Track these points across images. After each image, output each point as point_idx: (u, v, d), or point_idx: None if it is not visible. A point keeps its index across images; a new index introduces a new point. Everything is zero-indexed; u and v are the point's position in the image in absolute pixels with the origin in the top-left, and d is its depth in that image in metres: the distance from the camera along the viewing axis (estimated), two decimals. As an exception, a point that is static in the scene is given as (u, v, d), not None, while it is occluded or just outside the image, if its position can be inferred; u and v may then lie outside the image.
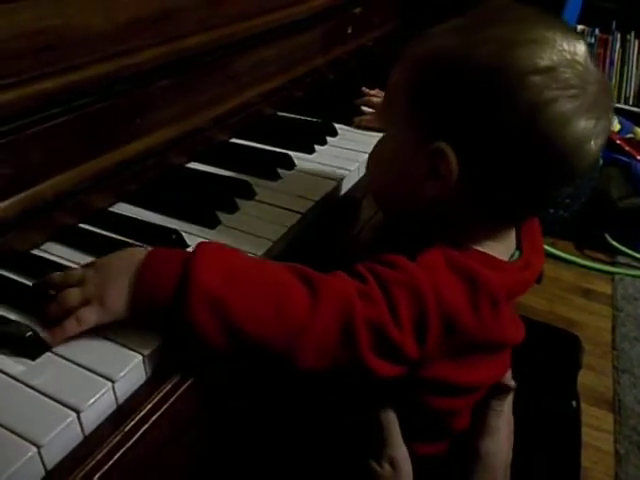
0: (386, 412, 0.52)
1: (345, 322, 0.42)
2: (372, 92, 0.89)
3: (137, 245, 0.53)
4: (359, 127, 0.82)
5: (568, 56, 0.44)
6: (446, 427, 0.56)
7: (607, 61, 2.17)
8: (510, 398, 0.59)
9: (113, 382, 0.40)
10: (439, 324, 0.45)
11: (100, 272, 0.43)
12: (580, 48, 0.45)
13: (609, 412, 1.36)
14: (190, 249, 0.54)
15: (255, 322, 0.40)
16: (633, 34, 2.13)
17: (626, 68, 2.16)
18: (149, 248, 0.45)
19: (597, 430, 1.31)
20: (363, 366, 0.43)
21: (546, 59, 0.43)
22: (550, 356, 0.87)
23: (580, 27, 2.18)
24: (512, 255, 0.53)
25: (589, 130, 0.44)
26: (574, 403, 0.82)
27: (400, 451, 0.51)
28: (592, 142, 0.45)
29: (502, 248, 0.52)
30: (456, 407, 0.54)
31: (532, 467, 0.69)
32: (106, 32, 0.57)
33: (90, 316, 0.41)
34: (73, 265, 0.51)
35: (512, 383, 0.57)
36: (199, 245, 0.43)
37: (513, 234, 0.54)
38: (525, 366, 0.66)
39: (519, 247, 0.54)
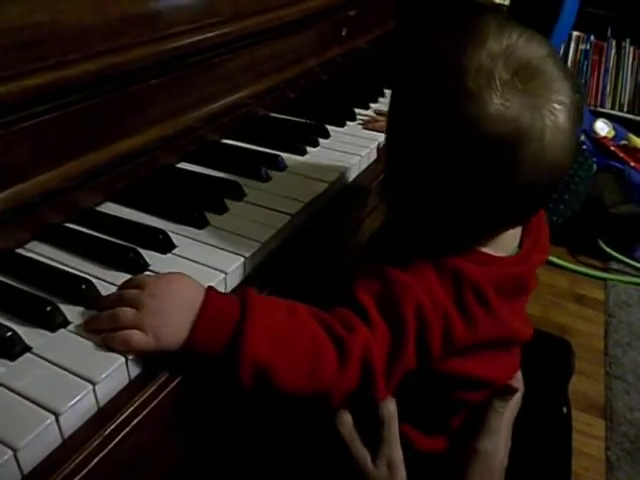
0: (387, 408, 0.52)
1: (365, 371, 0.46)
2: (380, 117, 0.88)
3: (125, 245, 0.52)
4: (367, 128, 0.84)
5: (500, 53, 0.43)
6: (449, 420, 0.56)
7: (602, 68, 2.18)
8: (515, 403, 0.58)
9: (94, 384, 0.39)
10: (440, 327, 0.47)
11: (157, 302, 0.43)
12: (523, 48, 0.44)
13: (601, 419, 1.36)
14: (178, 250, 0.54)
15: (292, 383, 0.45)
16: (628, 41, 2.14)
17: (621, 75, 2.17)
18: (203, 285, 0.46)
19: (589, 437, 1.31)
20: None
21: (475, 60, 0.43)
22: (541, 362, 0.86)
23: (576, 34, 2.19)
24: (512, 252, 0.53)
25: (529, 118, 0.42)
26: (565, 409, 0.82)
27: (398, 452, 0.51)
28: (524, 147, 0.43)
29: (502, 247, 0.52)
30: (471, 400, 0.54)
31: (523, 473, 0.69)
32: (96, 29, 0.56)
33: (140, 342, 0.42)
34: (59, 265, 0.51)
35: (519, 385, 0.56)
36: (248, 302, 0.44)
37: (515, 232, 0.53)
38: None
39: (520, 244, 0.54)
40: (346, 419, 0.52)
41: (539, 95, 0.43)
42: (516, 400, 0.58)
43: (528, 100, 0.43)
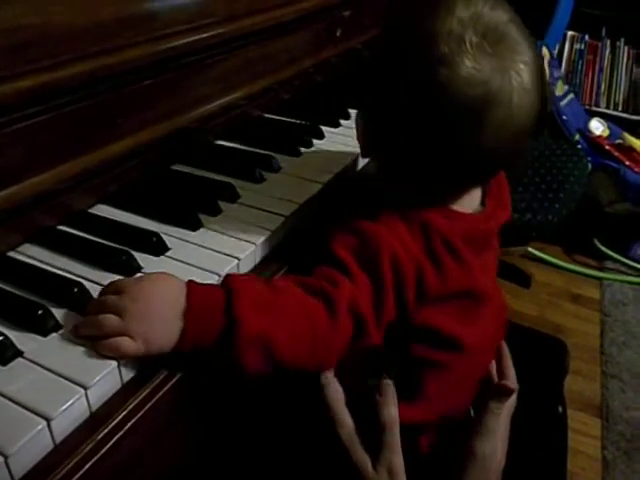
0: (389, 412, 0.51)
1: (355, 321, 0.47)
2: None
3: (117, 248, 0.52)
4: None
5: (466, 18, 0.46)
6: (423, 384, 0.55)
7: (597, 67, 2.19)
8: (511, 404, 0.58)
9: (86, 389, 0.39)
10: (413, 276, 0.49)
11: (140, 305, 0.42)
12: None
13: (597, 418, 1.36)
14: (171, 252, 0.53)
15: (292, 349, 0.45)
16: (622, 40, 2.15)
17: (615, 74, 2.18)
18: (182, 280, 0.45)
19: (585, 436, 1.31)
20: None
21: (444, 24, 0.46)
22: (537, 362, 0.86)
23: (570, 33, 2.19)
24: (476, 210, 0.56)
25: (480, 72, 0.45)
26: (560, 408, 0.82)
27: (399, 458, 0.51)
28: (493, 109, 0.45)
29: (467, 205, 0.54)
30: (442, 361, 0.54)
31: (519, 472, 0.69)
32: (89, 30, 0.55)
33: (130, 349, 0.41)
34: (51, 268, 0.50)
35: (514, 385, 0.56)
36: (229, 283, 0.45)
37: (477, 192, 0.56)
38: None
39: (483, 203, 0.57)
40: (346, 423, 0.51)
41: (506, 57, 0.46)
42: (512, 401, 0.58)
43: (497, 63, 0.45)
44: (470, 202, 0.55)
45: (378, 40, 0.53)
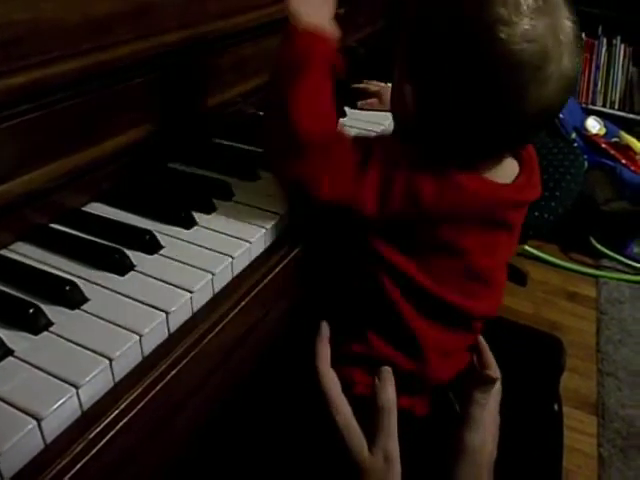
0: (386, 395, 0.53)
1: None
2: (372, 82, 0.97)
3: (110, 246, 0.52)
4: (362, 109, 0.90)
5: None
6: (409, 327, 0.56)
7: (593, 65, 2.19)
8: (497, 393, 0.59)
9: (77, 388, 0.38)
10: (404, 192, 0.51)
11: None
12: None
13: (593, 415, 1.36)
14: (165, 251, 0.53)
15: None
16: (619, 39, 2.15)
17: (612, 72, 2.18)
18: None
19: (581, 433, 1.31)
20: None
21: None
22: (533, 359, 0.86)
23: (567, 31, 2.19)
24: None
25: (537, 53, 0.47)
26: (556, 406, 0.82)
27: (395, 444, 0.52)
28: (548, 65, 0.47)
29: (499, 177, 0.55)
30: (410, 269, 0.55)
31: (514, 470, 0.69)
32: (81, 26, 0.55)
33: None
34: (43, 266, 0.50)
35: (496, 374, 0.57)
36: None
37: (511, 166, 0.57)
38: (507, 369, 0.66)
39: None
40: (343, 410, 0.53)
41: (555, 15, 0.48)
42: (497, 391, 0.60)
43: (549, 20, 0.48)
44: (504, 175, 0.56)
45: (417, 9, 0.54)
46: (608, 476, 1.22)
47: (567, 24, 0.49)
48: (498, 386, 0.60)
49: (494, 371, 0.60)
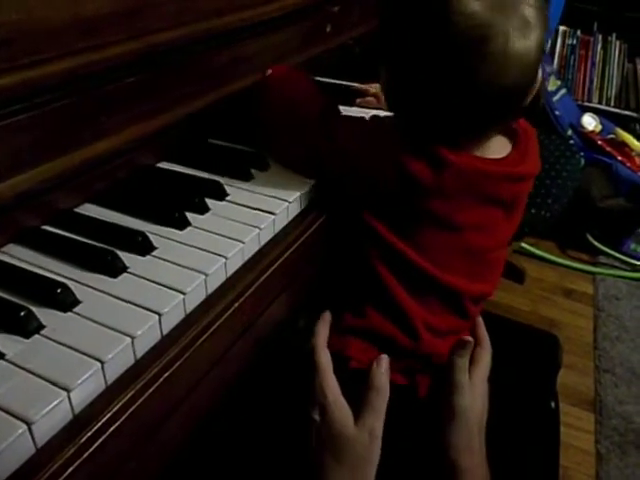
0: (382, 378, 0.56)
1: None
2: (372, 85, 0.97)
3: (103, 248, 0.51)
4: (360, 106, 0.89)
5: None
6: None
7: (589, 62, 2.19)
8: (487, 363, 0.62)
9: (68, 391, 0.38)
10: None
11: None
12: None
13: (590, 412, 1.37)
14: (157, 252, 0.53)
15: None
16: (614, 35, 2.15)
17: (607, 69, 2.18)
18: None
19: (578, 430, 1.32)
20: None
21: None
22: (529, 357, 0.86)
23: (562, 28, 2.19)
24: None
25: (504, 28, 0.49)
26: (553, 404, 0.82)
27: (380, 424, 0.54)
28: (492, 43, 0.49)
29: (488, 154, 0.57)
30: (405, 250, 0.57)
31: (512, 467, 0.69)
32: (71, 26, 0.54)
33: None
34: (34, 269, 0.50)
35: (469, 338, 0.59)
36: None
37: (500, 142, 0.59)
38: (505, 367, 0.66)
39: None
40: (332, 382, 0.55)
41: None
42: (487, 360, 0.62)
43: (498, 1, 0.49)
44: (493, 152, 0.58)
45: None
46: (606, 473, 1.23)
47: (520, 6, 0.49)
48: (488, 358, 0.62)
49: (486, 345, 0.63)
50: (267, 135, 0.70)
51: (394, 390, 0.57)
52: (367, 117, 0.65)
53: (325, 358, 0.57)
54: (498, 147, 0.59)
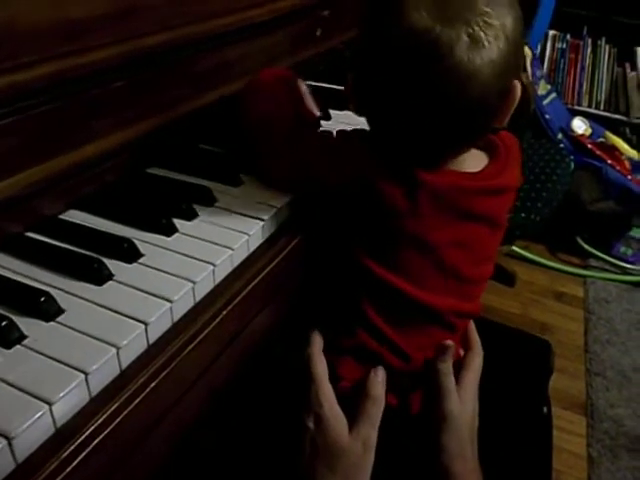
0: (377, 385, 0.56)
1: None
2: None
3: (88, 255, 0.50)
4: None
5: None
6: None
7: (578, 66, 2.20)
8: (478, 366, 0.62)
9: (50, 404, 0.37)
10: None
11: None
12: None
13: (582, 416, 1.37)
14: (144, 259, 0.52)
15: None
16: (604, 40, 2.17)
17: (597, 73, 2.20)
18: None
19: (570, 434, 1.32)
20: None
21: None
22: (521, 362, 0.86)
23: (552, 32, 2.21)
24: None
25: (448, 40, 0.47)
26: (545, 409, 0.82)
27: (375, 434, 0.54)
28: (456, 53, 0.47)
29: (464, 168, 0.57)
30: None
31: (504, 472, 0.68)
32: (57, 29, 0.53)
33: None
34: (17, 277, 0.49)
35: (449, 342, 0.59)
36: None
37: (476, 157, 0.58)
38: (496, 372, 0.66)
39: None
40: (328, 391, 0.55)
41: (458, 13, 0.47)
42: (478, 364, 0.62)
43: (445, 15, 0.47)
44: (468, 166, 0.57)
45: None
46: (597, 476, 1.23)
47: (479, 23, 0.47)
48: (479, 362, 0.63)
49: (477, 349, 0.63)
50: (246, 144, 0.68)
51: (386, 410, 0.56)
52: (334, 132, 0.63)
53: (321, 367, 0.57)
54: (474, 161, 0.58)
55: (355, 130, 0.61)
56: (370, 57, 0.53)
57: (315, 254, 0.63)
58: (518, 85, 0.52)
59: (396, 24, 0.48)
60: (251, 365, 0.57)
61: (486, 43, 0.47)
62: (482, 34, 0.47)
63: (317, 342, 0.58)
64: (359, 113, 0.58)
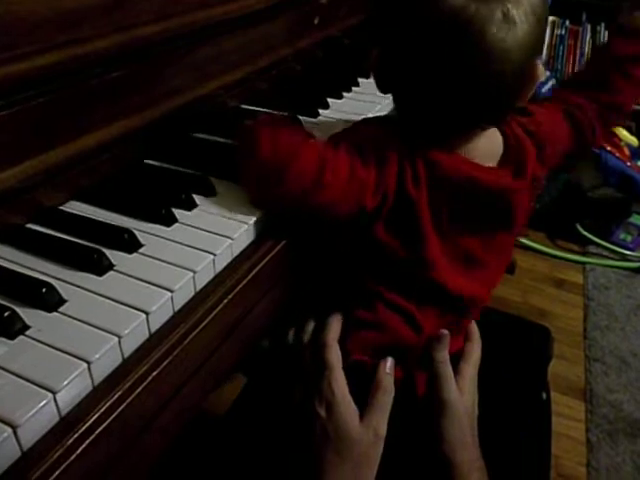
0: (388, 375, 0.57)
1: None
2: None
3: (88, 246, 0.51)
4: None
5: None
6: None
7: (577, 52, 2.19)
8: (477, 356, 0.64)
9: (54, 393, 0.37)
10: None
11: None
12: None
13: (581, 401, 1.38)
14: (144, 249, 0.52)
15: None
16: (603, 25, 2.15)
17: (596, 59, 2.18)
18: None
19: (569, 419, 1.33)
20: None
21: None
22: (521, 348, 0.87)
23: (551, 18, 2.19)
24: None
25: (483, 17, 0.48)
26: (544, 395, 0.82)
27: (385, 425, 0.56)
28: (490, 30, 0.48)
29: (472, 155, 0.56)
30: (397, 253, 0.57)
31: (504, 457, 0.69)
32: (53, 19, 0.53)
33: None
34: (18, 268, 0.49)
35: (444, 332, 0.60)
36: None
37: (486, 147, 0.58)
38: (496, 358, 0.66)
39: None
40: (341, 382, 0.56)
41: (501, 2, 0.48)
42: (477, 355, 0.64)
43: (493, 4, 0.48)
44: (479, 156, 0.56)
45: None
46: (596, 461, 1.24)
47: (512, 10, 0.49)
48: (478, 353, 0.64)
49: (475, 339, 0.65)
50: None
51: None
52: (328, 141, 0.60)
53: (336, 355, 0.58)
54: (481, 150, 0.57)
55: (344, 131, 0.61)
56: (405, 32, 0.52)
57: (320, 240, 0.63)
58: (539, 65, 0.52)
59: (434, 2, 0.49)
60: (257, 352, 0.57)
61: (518, 22, 0.48)
62: (515, 12, 0.48)
63: (333, 329, 0.59)
64: (383, 88, 0.58)
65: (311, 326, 0.62)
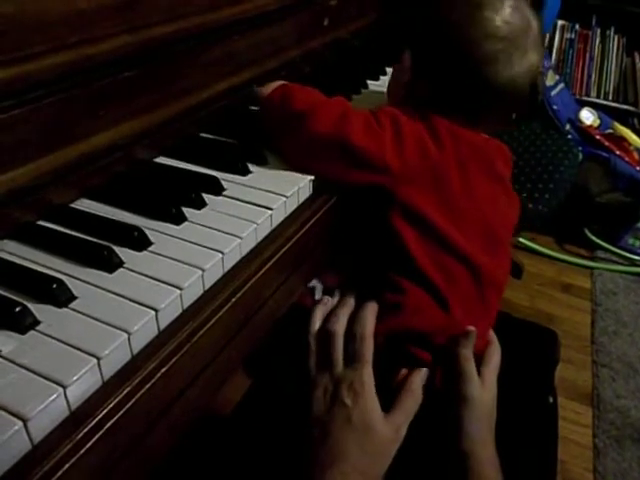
0: (417, 381, 0.59)
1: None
2: None
3: (99, 243, 0.51)
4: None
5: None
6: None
7: (587, 56, 2.18)
8: (497, 360, 0.65)
9: (64, 387, 0.38)
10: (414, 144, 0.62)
11: None
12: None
13: (588, 406, 1.37)
14: (154, 247, 0.52)
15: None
16: (613, 29, 2.15)
17: (606, 63, 2.18)
18: None
19: (576, 424, 1.32)
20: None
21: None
22: (528, 352, 0.86)
23: (560, 22, 2.19)
24: None
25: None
26: (551, 399, 0.82)
27: (407, 424, 0.57)
28: (515, 51, 0.63)
29: None
30: (417, 249, 0.62)
31: (510, 462, 0.69)
32: (65, 19, 0.54)
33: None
34: (30, 264, 0.49)
35: (471, 328, 0.61)
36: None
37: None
38: (503, 362, 0.66)
39: None
40: (370, 372, 0.57)
41: (527, 17, 0.64)
42: (497, 360, 0.65)
43: (521, 18, 0.64)
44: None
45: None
46: (603, 466, 1.23)
47: (534, 24, 0.64)
48: (497, 357, 0.66)
49: (495, 345, 0.66)
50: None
51: (418, 365, 0.60)
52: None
53: (371, 349, 0.59)
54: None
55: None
56: (448, 38, 0.64)
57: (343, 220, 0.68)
58: (543, 77, 0.60)
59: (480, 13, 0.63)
60: (258, 354, 0.57)
61: (537, 48, 0.64)
62: (536, 43, 0.64)
63: (370, 322, 0.60)
64: (417, 83, 0.68)
65: (343, 311, 0.63)
